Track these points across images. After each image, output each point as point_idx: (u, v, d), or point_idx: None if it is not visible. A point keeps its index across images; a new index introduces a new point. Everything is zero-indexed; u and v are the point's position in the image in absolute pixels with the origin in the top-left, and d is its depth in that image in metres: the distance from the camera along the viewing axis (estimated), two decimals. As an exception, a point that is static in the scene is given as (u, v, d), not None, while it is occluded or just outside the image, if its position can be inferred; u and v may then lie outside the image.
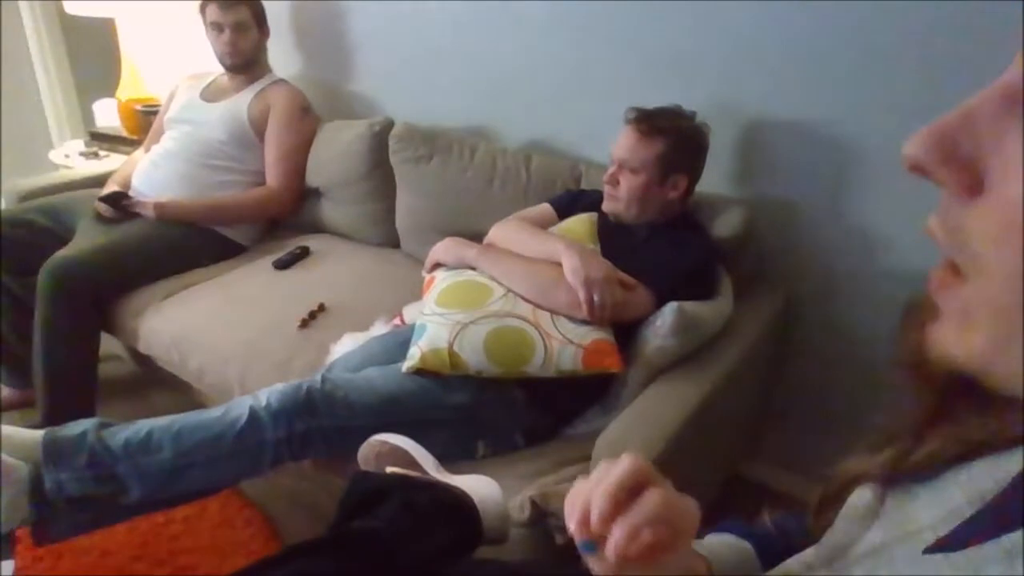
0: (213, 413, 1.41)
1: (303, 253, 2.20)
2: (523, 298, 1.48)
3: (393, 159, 2.17)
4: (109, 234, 2.11)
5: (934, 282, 0.36)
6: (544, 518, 1.26)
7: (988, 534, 0.34)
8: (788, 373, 1.88)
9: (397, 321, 1.74)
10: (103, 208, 2.17)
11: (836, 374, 1.80)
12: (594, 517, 0.49)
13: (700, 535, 0.71)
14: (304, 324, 1.82)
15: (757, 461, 1.98)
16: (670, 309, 1.43)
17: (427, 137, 2.12)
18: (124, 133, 2.84)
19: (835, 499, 0.51)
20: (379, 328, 1.72)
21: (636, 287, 1.48)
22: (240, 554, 1.69)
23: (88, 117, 3.14)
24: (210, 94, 2.36)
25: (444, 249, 1.65)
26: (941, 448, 0.42)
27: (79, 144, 2.89)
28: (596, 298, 1.42)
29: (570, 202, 1.76)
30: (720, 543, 0.69)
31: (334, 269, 2.13)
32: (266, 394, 1.41)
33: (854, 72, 1.57)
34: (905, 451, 0.44)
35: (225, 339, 1.81)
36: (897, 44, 1.50)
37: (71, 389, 1.99)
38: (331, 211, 2.36)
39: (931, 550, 0.38)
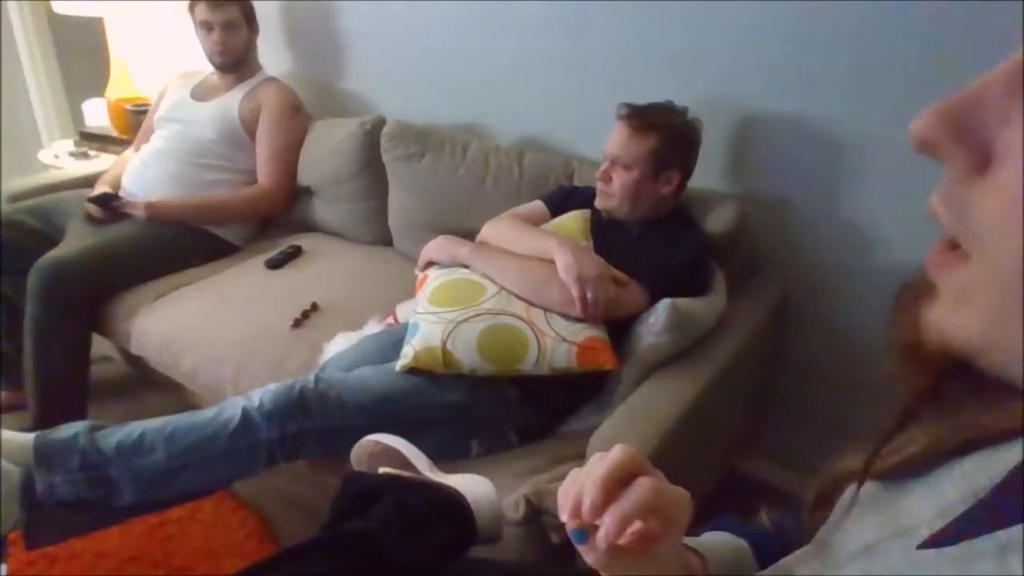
0: (206, 414, 1.41)
1: (295, 252, 2.19)
2: (516, 296, 1.48)
3: (385, 157, 2.16)
4: (100, 235, 2.10)
5: (932, 261, 0.35)
6: (539, 516, 1.26)
7: (982, 529, 0.34)
8: (784, 369, 1.88)
9: (390, 320, 1.74)
10: (93, 209, 2.16)
11: (832, 370, 1.80)
12: (585, 506, 0.50)
13: (696, 532, 0.71)
14: (297, 323, 1.81)
15: (755, 457, 1.98)
16: (664, 306, 1.43)
17: (419, 135, 2.11)
18: (114, 133, 2.82)
19: (830, 496, 0.51)
20: (372, 327, 1.72)
21: (629, 284, 1.48)
22: (235, 555, 1.68)
23: (77, 117, 3.12)
24: (200, 93, 2.34)
25: (436, 247, 1.65)
26: (933, 443, 0.42)
27: (69, 144, 2.87)
28: (589, 295, 1.42)
29: (563, 199, 1.76)
30: (716, 540, 0.69)
31: (327, 268, 2.13)
32: (259, 394, 1.41)
33: (848, 68, 1.57)
34: (896, 446, 0.44)
35: (218, 339, 1.81)
36: (892, 40, 1.50)
37: (63, 391, 1.98)
38: (323, 210, 2.35)
39: (925, 545, 0.38)
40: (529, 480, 1.32)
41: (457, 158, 2.04)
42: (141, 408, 2.15)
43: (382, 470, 1.16)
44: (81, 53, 3.13)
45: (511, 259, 1.54)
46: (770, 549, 0.65)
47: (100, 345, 2.10)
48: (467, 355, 1.41)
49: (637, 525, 0.48)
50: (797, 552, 0.52)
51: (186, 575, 1.62)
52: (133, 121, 2.64)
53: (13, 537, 1.59)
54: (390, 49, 2.30)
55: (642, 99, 1.60)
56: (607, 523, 0.49)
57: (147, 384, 2.16)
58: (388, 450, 1.21)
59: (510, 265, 1.52)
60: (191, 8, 2.22)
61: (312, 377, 1.43)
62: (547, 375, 1.42)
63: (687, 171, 1.62)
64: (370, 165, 2.21)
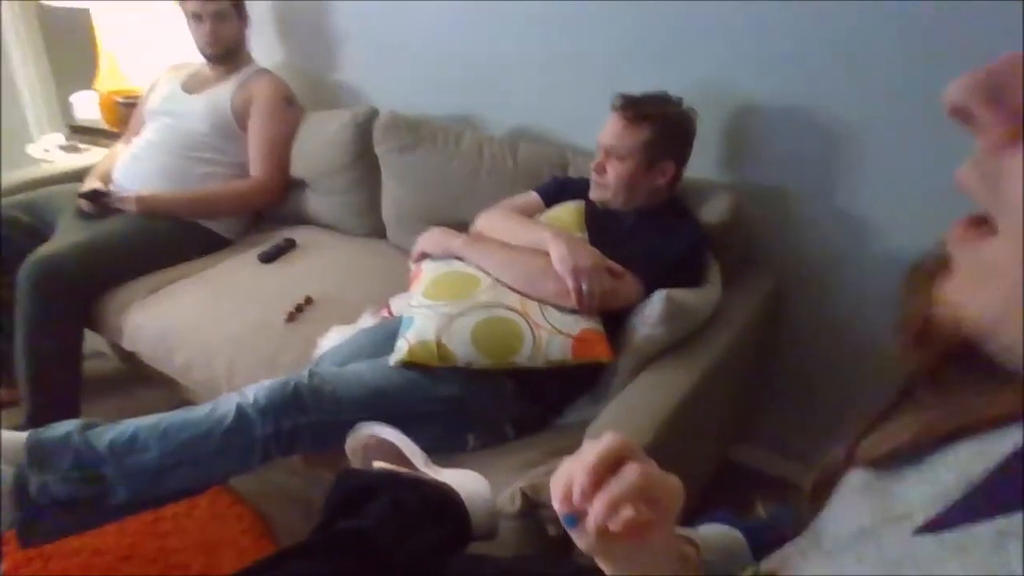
0: (199, 411, 1.40)
1: (288, 245, 2.18)
2: (511, 288, 1.48)
3: (378, 148, 2.15)
4: (91, 229, 2.08)
5: (956, 234, 0.35)
6: (535, 509, 1.26)
7: (978, 515, 0.34)
8: (780, 359, 1.88)
9: (385, 313, 1.73)
10: (84, 204, 2.14)
11: (828, 359, 1.81)
12: (576, 491, 0.50)
13: (692, 525, 0.71)
14: (291, 317, 1.81)
15: (752, 447, 1.99)
16: (659, 297, 1.42)
17: (412, 126, 2.09)
18: (104, 126, 2.80)
19: (827, 485, 0.51)
20: (366, 320, 1.71)
21: (625, 275, 1.48)
22: (231, 551, 1.68)
23: (67, 110, 3.09)
24: (192, 85, 2.32)
25: (430, 239, 1.64)
26: (925, 428, 0.42)
27: (59, 138, 2.85)
28: (584, 286, 1.42)
29: (557, 190, 1.75)
30: (712, 531, 0.69)
31: (320, 261, 2.12)
32: (253, 390, 1.40)
33: (843, 57, 1.56)
34: (889, 433, 0.44)
35: (211, 334, 1.80)
36: (889, 30, 1.49)
37: (55, 387, 1.97)
38: (316, 202, 2.34)
39: (921, 531, 0.38)
40: (525, 473, 1.32)
41: (451, 149, 2.02)
42: (134, 404, 2.13)
43: (377, 464, 1.15)
44: (70, 45, 3.10)
45: (505, 251, 1.53)
46: (766, 541, 0.65)
47: (92, 341, 2.09)
48: (462, 348, 1.40)
49: (627, 511, 0.48)
50: (793, 541, 0.52)
51: (182, 572, 1.61)
52: (123, 114, 2.62)
53: (7, 536, 1.58)
54: (383, 40, 2.28)
55: (637, 89, 1.60)
56: (596, 507, 0.49)
57: (140, 380, 2.15)
58: (383, 443, 1.20)
59: (504, 258, 1.52)
60: (181, -1, 2.21)
61: (306, 372, 1.43)
62: (542, 368, 1.42)
63: (682, 162, 1.62)
64: (363, 157, 2.20)
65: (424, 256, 1.65)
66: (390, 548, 0.85)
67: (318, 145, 2.25)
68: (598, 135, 1.61)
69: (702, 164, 1.72)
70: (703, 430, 1.57)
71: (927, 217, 1.51)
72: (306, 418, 1.37)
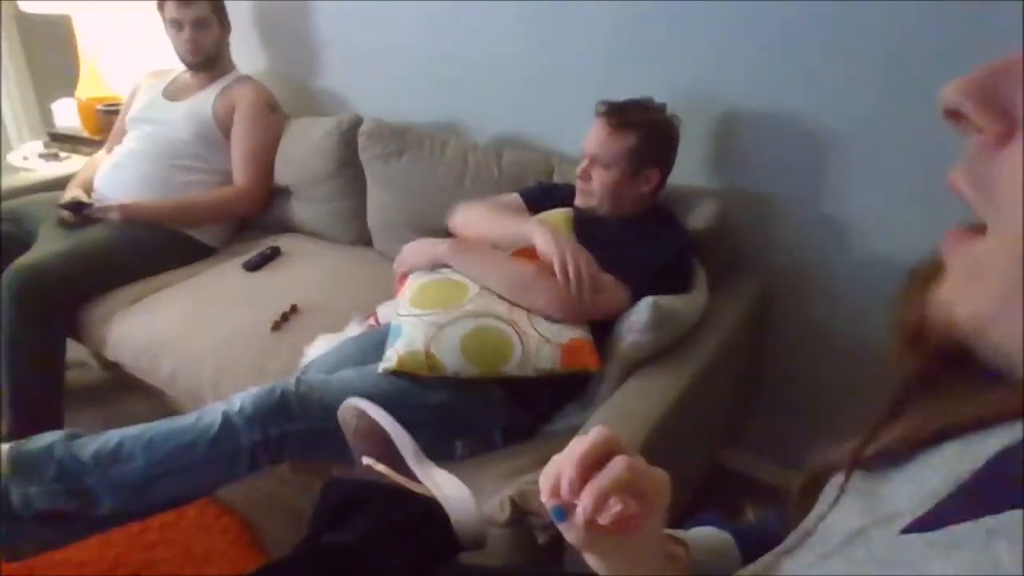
0: (185, 420, 1.39)
1: (273, 254, 2.16)
2: (498, 296, 1.47)
3: (363, 156, 2.14)
4: (73, 238, 2.06)
5: (948, 240, 0.36)
6: (525, 517, 1.26)
7: (966, 515, 0.34)
8: (768, 364, 1.89)
9: (372, 321, 1.72)
10: (66, 215, 2.12)
11: (816, 364, 1.81)
12: (564, 484, 0.51)
13: (683, 525, 0.71)
14: (277, 326, 1.80)
15: (740, 452, 2.00)
16: (646, 304, 1.43)
17: (397, 133, 2.09)
18: (85, 133, 2.77)
19: (814, 488, 0.51)
20: (353, 329, 1.70)
21: (613, 284, 1.48)
22: (219, 561, 1.66)
23: (47, 117, 3.06)
24: (173, 92, 2.31)
25: (413, 252, 1.62)
26: (912, 430, 0.42)
27: (38, 146, 2.82)
28: (571, 268, 1.42)
29: (542, 195, 1.75)
30: (701, 532, 0.70)
31: (305, 269, 2.11)
32: (239, 398, 1.39)
33: (829, 62, 1.57)
34: (879, 434, 0.44)
35: (196, 343, 1.78)
36: (872, 33, 1.50)
37: (38, 398, 1.95)
38: (301, 210, 2.33)
39: (909, 531, 0.38)
40: (514, 481, 1.32)
41: (436, 156, 2.02)
42: (118, 414, 2.11)
43: (366, 461, 1.13)
44: (50, 52, 3.07)
45: (492, 260, 1.53)
46: (755, 544, 0.65)
47: (75, 351, 2.06)
48: (451, 358, 1.40)
49: (614, 505, 0.49)
50: (783, 544, 0.52)
51: (169, 583, 1.60)
52: (104, 121, 2.60)
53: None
54: (366, 47, 2.28)
55: (621, 95, 1.60)
56: (584, 500, 0.50)
57: (124, 390, 2.13)
58: (374, 430, 1.17)
59: (491, 268, 1.51)
60: (160, 6, 2.19)
61: (293, 380, 1.42)
62: (531, 376, 1.42)
63: (666, 169, 1.62)
64: (347, 164, 2.19)
65: (407, 274, 1.63)
66: (376, 562, 0.85)
67: (302, 152, 2.24)
68: (583, 142, 1.61)
69: (688, 169, 1.73)
70: (691, 435, 1.58)
71: (913, 222, 1.53)
72: (293, 426, 1.36)
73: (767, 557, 0.54)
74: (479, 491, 1.23)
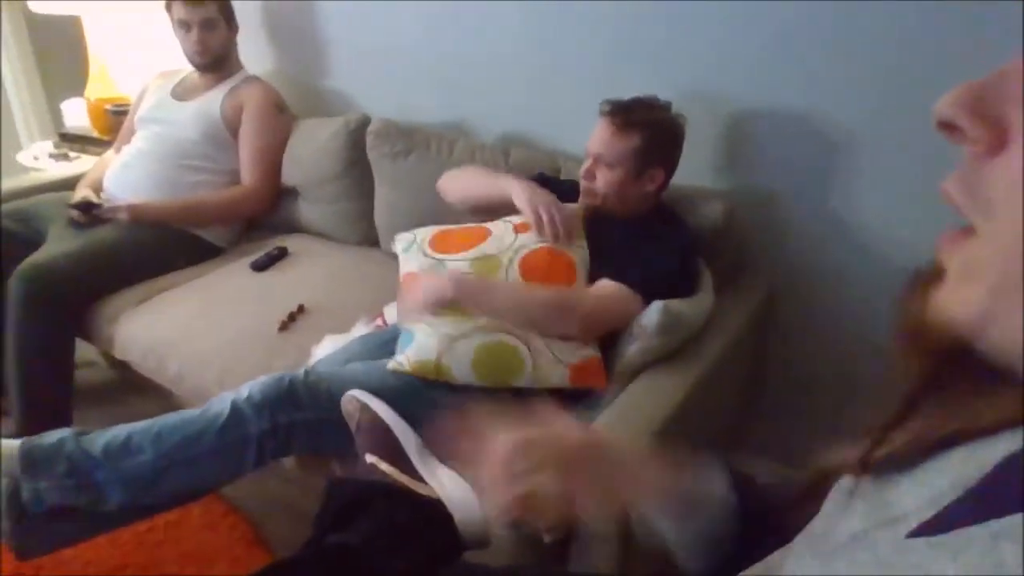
0: (193, 412, 1.39)
1: (280, 254, 2.17)
2: None
3: (371, 154, 2.15)
4: (82, 238, 2.07)
5: (943, 241, 0.37)
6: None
7: (973, 519, 0.34)
8: (774, 366, 1.88)
9: (379, 322, 1.72)
10: (75, 215, 2.13)
11: (821, 365, 1.81)
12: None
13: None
14: (284, 326, 1.80)
15: (744, 454, 1.99)
16: (656, 309, 1.42)
17: (405, 132, 2.10)
18: (94, 133, 2.79)
19: (817, 491, 0.51)
20: (360, 329, 1.71)
21: (630, 295, 1.46)
22: (224, 560, 1.67)
23: (57, 118, 3.08)
24: (181, 92, 2.32)
25: (417, 293, 1.48)
26: (920, 435, 0.42)
27: (48, 146, 2.83)
28: (544, 214, 1.49)
29: (540, 183, 1.73)
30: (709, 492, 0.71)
31: (313, 270, 2.11)
32: (248, 387, 1.39)
33: (834, 61, 1.56)
34: (886, 438, 0.44)
35: (204, 343, 1.79)
36: (877, 32, 1.49)
37: (47, 397, 1.96)
38: (308, 210, 2.34)
39: (915, 534, 0.38)
40: (520, 481, 1.32)
41: (443, 156, 2.02)
42: (126, 413, 2.10)
43: (370, 459, 1.14)
44: (60, 53, 3.09)
45: (502, 297, 1.48)
46: (754, 510, 0.68)
47: (84, 350, 2.07)
48: (461, 371, 1.41)
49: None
50: (787, 545, 0.52)
51: (175, 582, 1.61)
52: (113, 122, 2.61)
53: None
54: (374, 48, 2.28)
55: (626, 94, 1.59)
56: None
57: (132, 389, 2.14)
58: (375, 424, 1.17)
59: (500, 304, 1.46)
60: (168, 7, 2.20)
61: (302, 370, 1.42)
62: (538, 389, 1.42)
63: (671, 168, 1.61)
64: (355, 165, 2.19)
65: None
66: (378, 564, 0.85)
67: (310, 153, 2.25)
68: (588, 141, 1.61)
69: (694, 170, 1.72)
70: (696, 437, 1.57)
71: (921, 223, 1.51)
72: (301, 415, 1.36)
73: (772, 557, 0.54)
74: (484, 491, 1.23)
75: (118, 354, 1.94)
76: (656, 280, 1.48)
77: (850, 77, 1.56)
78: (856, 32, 1.52)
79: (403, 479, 1.09)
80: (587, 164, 1.60)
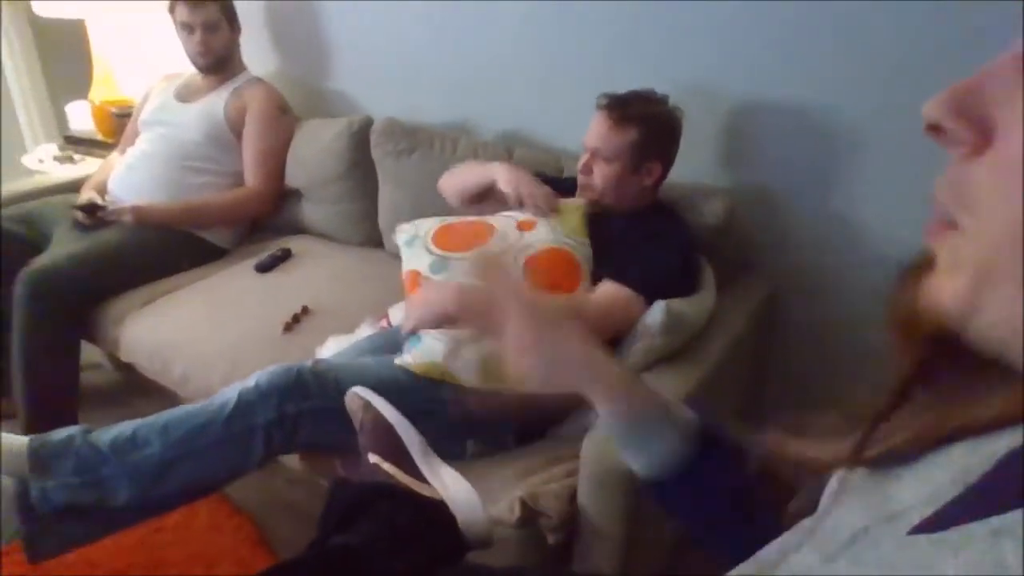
0: (200, 404, 1.39)
1: (284, 255, 2.17)
2: None
3: (375, 153, 2.15)
4: (87, 240, 2.08)
5: (929, 230, 0.38)
6: (534, 518, 1.26)
7: (973, 515, 0.34)
8: (776, 365, 1.88)
9: (383, 323, 1.72)
10: (80, 216, 2.14)
11: (825, 365, 1.80)
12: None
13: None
14: (288, 328, 1.80)
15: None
16: (659, 309, 1.42)
17: (409, 131, 2.11)
18: (98, 136, 2.80)
19: (813, 483, 0.52)
20: (365, 331, 1.71)
21: (634, 298, 1.46)
22: (229, 561, 1.68)
23: (61, 120, 3.09)
24: (185, 94, 2.33)
25: (419, 309, 1.38)
26: (922, 431, 0.42)
27: (53, 148, 2.84)
28: (527, 201, 1.57)
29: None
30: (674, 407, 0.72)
31: (316, 271, 2.11)
32: (255, 377, 1.39)
33: (838, 57, 1.56)
34: (884, 434, 0.44)
35: (208, 344, 1.79)
36: (881, 27, 1.49)
37: (53, 399, 1.97)
38: (312, 211, 2.34)
39: (916, 531, 0.38)
40: (523, 482, 1.32)
41: (447, 154, 2.03)
42: (132, 415, 2.08)
43: (373, 459, 1.13)
44: (64, 56, 3.10)
45: None
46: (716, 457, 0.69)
47: (89, 352, 2.08)
48: (467, 375, 1.41)
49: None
50: (782, 539, 0.52)
51: (181, 583, 1.61)
52: (118, 124, 2.62)
53: (6, 548, 1.58)
54: (376, 49, 2.28)
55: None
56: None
57: (137, 391, 2.15)
58: (379, 424, 1.17)
59: None
60: (171, 9, 2.21)
61: (310, 360, 1.41)
62: None
63: (668, 162, 1.60)
64: (358, 166, 2.20)
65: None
66: (381, 565, 0.85)
67: (313, 154, 2.25)
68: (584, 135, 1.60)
69: (695, 167, 1.72)
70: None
71: (923, 222, 1.51)
72: (308, 404, 1.35)
73: (765, 554, 0.54)
74: (488, 492, 1.23)
75: (123, 356, 1.95)
76: (657, 280, 1.47)
77: (853, 74, 1.55)
78: (859, 28, 1.51)
79: (406, 480, 1.08)
80: (584, 158, 1.60)
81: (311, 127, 2.30)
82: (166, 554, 1.68)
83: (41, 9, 2.68)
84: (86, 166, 2.65)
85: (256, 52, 2.46)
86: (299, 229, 2.38)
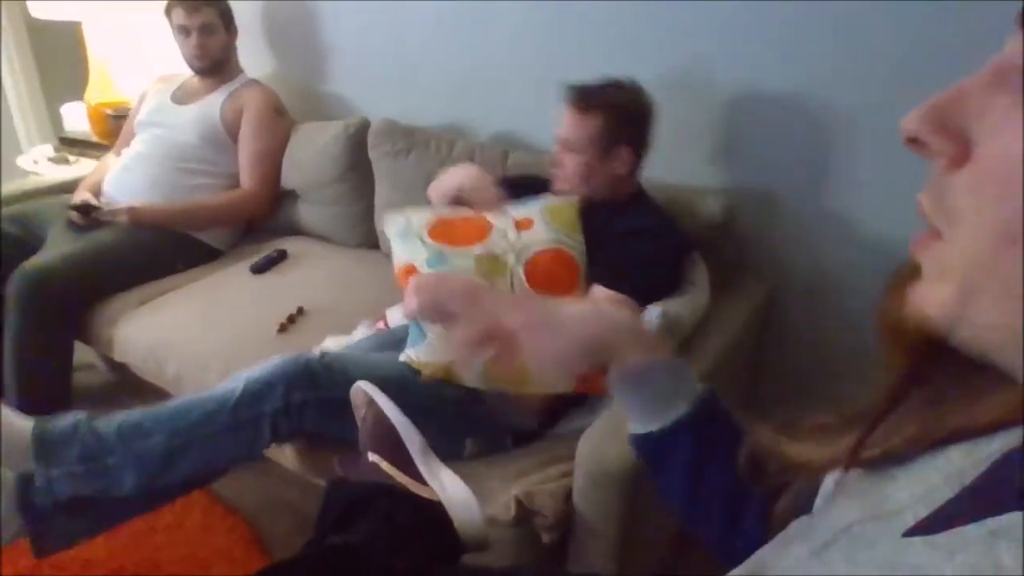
0: (206, 393, 1.38)
1: (280, 256, 2.17)
2: None
3: (372, 153, 2.16)
4: (81, 241, 2.07)
5: (916, 242, 0.39)
6: (530, 517, 1.26)
7: (969, 517, 0.34)
8: (772, 368, 1.88)
9: (380, 324, 1.72)
10: (75, 216, 2.13)
11: (822, 367, 1.80)
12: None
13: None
14: (283, 328, 1.80)
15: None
16: (655, 314, 1.42)
17: (406, 132, 2.11)
18: (94, 137, 2.79)
19: (806, 482, 0.52)
20: (362, 332, 1.71)
21: (626, 303, 1.45)
22: (223, 561, 1.67)
23: (56, 121, 3.08)
24: (181, 96, 2.33)
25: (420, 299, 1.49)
26: (918, 433, 0.42)
27: (48, 149, 2.83)
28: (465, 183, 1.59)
29: (521, 182, 1.75)
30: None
31: (312, 272, 2.11)
32: (260, 368, 1.38)
33: (839, 56, 1.56)
34: (880, 436, 0.45)
35: (203, 346, 1.79)
36: (885, 19, 1.49)
37: (45, 399, 1.95)
38: (308, 213, 2.34)
39: (911, 533, 0.38)
40: (519, 482, 1.32)
41: (443, 155, 2.03)
42: (126, 416, 2.12)
43: (372, 458, 1.13)
44: (60, 57, 3.10)
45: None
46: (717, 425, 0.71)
47: (83, 353, 2.07)
48: (470, 377, 1.41)
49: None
50: (776, 542, 0.52)
51: (174, 583, 1.61)
52: (113, 125, 2.62)
53: (4, 549, 1.57)
54: (372, 51, 2.29)
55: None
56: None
57: (131, 391, 2.14)
58: (380, 421, 1.16)
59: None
60: (168, 12, 2.21)
61: (317, 352, 1.41)
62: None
63: (640, 147, 1.58)
64: (354, 168, 2.20)
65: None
66: (377, 565, 0.85)
67: (309, 156, 2.25)
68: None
69: (693, 167, 1.72)
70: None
71: (922, 221, 1.51)
72: (315, 393, 1.35)
73: (759, 555, 0.54)
74: (485, 491, 1.23)
75: (117, 357, 1.94)
76: (648, 282, 1.47)
77: (853, 70, 1.55)
78: (858, 21, 1.51)
79: (404, 479, 1.08)
80: (556, 150, 1.60)
81: (307, 130, 2.30)
82: (160, 554, 1.67)
83: (37, 10, 2.67)
84: (81, 167, 2.65)
85: (253, 55, 2.46)
86: (295, 231, 2.38)
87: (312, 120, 2.35)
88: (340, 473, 1.22)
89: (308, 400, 1.35)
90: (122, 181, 2.25)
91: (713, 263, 1.64)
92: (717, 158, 1.79)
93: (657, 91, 1.60)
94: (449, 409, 1.41)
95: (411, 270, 1.55)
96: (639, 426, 0.71)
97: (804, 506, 0.51)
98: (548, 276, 1.51)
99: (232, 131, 2.27)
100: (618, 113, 1.54)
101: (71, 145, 2.83)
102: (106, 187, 2.27)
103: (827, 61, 1.58)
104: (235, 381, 1.37)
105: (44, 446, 1.29)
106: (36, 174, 2.65)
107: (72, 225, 2.15)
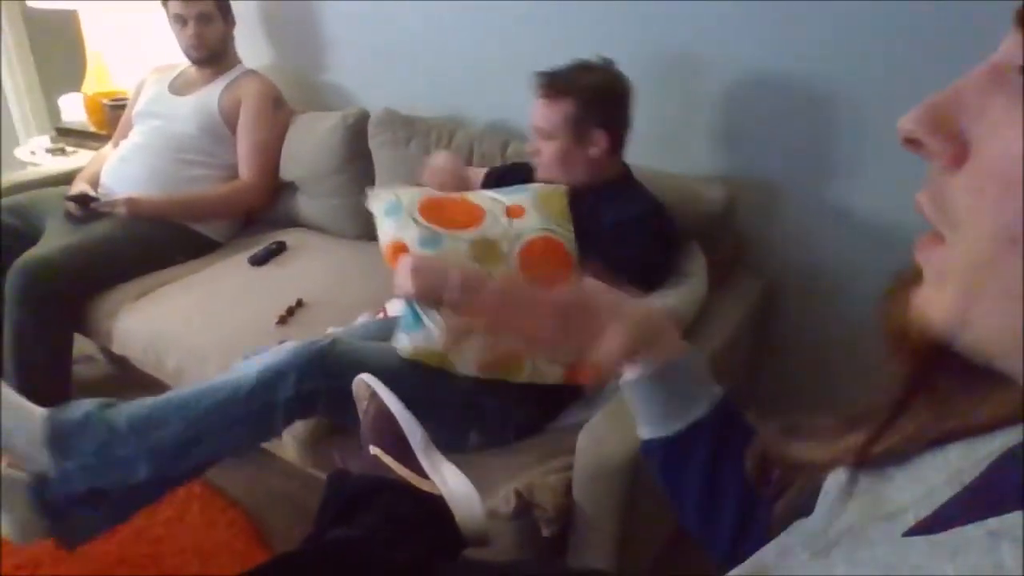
0: (217, 380, 1.38)
1: (279, 248, 2.17)
2: None
3: (372, 143, 2.15)
4: (79, 233, 2.07)
5: (918, 245, 0.38)
6: (530, 510, 1.26)
7: (970, 516, 0.34)
8: (771, 361, 1.88)
9: (381, 316, 1.72)
10: (72, 208, 2.12)
11: (822, 364, 1.80)
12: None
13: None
14: (282, 320, 1.80)
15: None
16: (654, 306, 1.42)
17: (406, 122, 2.10)
18: (91, 128, 2.78)
19: (805, 483, 0.52)
20: (362, 324, 1.70)
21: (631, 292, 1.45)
22: (223, 555, 1.67)
23: (54, 112, 3.07)
24: (179, 87, 2.31)
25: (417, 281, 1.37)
26: (916, 431, 0.42)
27: (45, 140, 2.83)
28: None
29: (505, 172, 1.74)
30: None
31: (311, 264, 2.11)
32: (271, 354, 1.38)
33: (843, 44, 1.55)
34: (877, 435, 0.44)
35: (202, 338, 1.79)
36: (888, 8, 1.48)
37: (45, 392, 1.94)
38: (307, 205, 2.33)
39: (912, 532, 0.37)
40: (519, 475, 1.32)
41: (443, 145, 2.03)
42: (126, 408, 2.12)
43: (373, 450, 1.13)
44: (57, 48, 3.09)
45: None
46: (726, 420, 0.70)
47: (82, 345, 2.07)
48: (464, 365, 1.41)
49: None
50: (777, 543, 0.52)
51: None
52: (111, 116, 2.60)
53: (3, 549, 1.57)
54: (371, 42, 2.27)
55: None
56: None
57: (131, 384, 2.13)
58: (382, 414, 1.16)
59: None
60: (165, 1, 2.19)
61: (329, 340, 1.41)
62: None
63: (616, 129, 1.56)
64: (353, 159, 2.19)
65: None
66: (379, 558, 0.85)
67: (308, 147, 2.24)
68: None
69: (693, 157, 1.71)
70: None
71: (924, 219, 1.51)
72: (327, 383, 1.34)
73: (761, 556, 0.54)
74: (485, 484, 1.23)
75: (116, 349, 1.94)
76: (643, 272, 1.45)
77: (857, 58, 1.54)
78: (861, 6, 1.49)
79: (405, 473, 1.08)
80: (532, 139, 1.59)
81: (306, 120, 2.29)
82: (160, 548, 1.68)
83: (34, 1, 2.65)
84: (78, 158, 2.64)
85: (251, 45, 2.45)
86: (293, 222, 2.37)
87: (310, 111, 2.34)
88: (340, 466, 1.22)
89: (320, 389, 1.34)
90: (120, 172, 2.24)
91: (711, 256, 1.63)
92: (718, 147, 1.79)
93: (657, 78, 1.59)
94: (454, 401, 1.41)
95: (401, 247, 1.50)
96: (655, 429, 0.69)
97: (804, 506, 0.51)
98: (542, 263, 1.50)
99: (230, 122, 2.25)
100: (588, 96, 1.52)
101: (68, 136, 2.82)
102: (104, 178, 2.26)
103: (829, 49, 1.56)
104: (246, 367, 1.37)
105: (58, 436, 1.29)
106: (34, 165, 2.65)
107: (70, 217, 2.14)
